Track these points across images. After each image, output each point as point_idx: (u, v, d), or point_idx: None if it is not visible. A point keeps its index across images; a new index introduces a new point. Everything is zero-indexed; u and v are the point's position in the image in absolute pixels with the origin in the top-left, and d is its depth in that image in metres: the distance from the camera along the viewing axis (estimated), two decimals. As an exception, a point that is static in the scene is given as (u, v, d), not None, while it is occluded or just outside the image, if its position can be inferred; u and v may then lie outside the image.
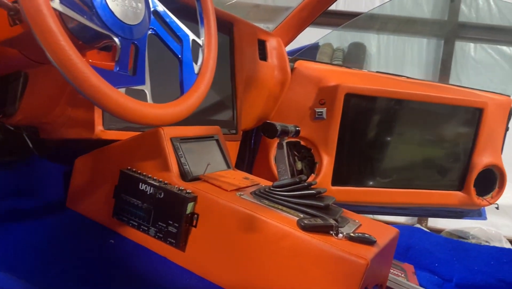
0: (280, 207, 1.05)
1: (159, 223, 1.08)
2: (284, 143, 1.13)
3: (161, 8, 0.82)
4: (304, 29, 2.01)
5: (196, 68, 0.85)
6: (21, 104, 1.06)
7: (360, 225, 1.07)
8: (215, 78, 1.60)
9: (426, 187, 2.33)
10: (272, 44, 1.92)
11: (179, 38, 0.84)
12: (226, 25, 1.66)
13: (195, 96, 0.80)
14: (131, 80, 0.71)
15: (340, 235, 0.96)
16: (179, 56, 0.83)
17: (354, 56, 3.81)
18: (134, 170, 1.15)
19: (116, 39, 0.70)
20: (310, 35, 2.66)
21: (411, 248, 1.62)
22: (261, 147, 2.14)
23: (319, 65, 2.21)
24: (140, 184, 1.11)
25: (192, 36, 0.87)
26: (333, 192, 2.09)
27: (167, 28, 0.83)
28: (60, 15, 0.64)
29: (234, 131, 1.67)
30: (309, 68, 2.10)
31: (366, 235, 0.96)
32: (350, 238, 0.95)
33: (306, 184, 1.08)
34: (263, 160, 2.12)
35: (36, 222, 1.24)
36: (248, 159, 2.12)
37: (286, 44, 2.05)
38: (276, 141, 2.03)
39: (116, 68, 0.69)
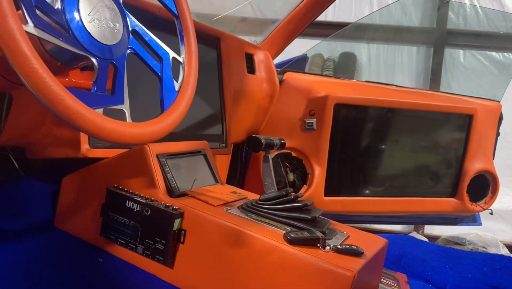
0: (267, 220, 1.05)
1: (147, 240, 1.08)
2: (270, 157, 1.14)
3: (140, 27, 0.83)
4: (292, 41, 2.03)
5: (176, 85, 0.85)
6: (6, 126, 1.06)
7: (348, 236, 1.07)
8: (203, 92, 1.62)
9: (419, 195, 2.34)
10: (259, 57, 1.94)
11: (159, 56, 0.85)
12: (213, 40, 1.67)
13: (176, 113, 0.81)
14: (109, 100, 0.72)
15: (327, 247, 0.96)
16: (159, 74, 0.83)
17: (345, 66, 3.84)
18: (120, 187, 1.15)
19: (94, 60, 0.70)
20: (299, 46, 2.69)
21: (403, 256, 1.62)
22: (253, 159, 2.15)
23: (308, 76, 2.23)
24: (127, 201, 1.11)
25: (172, 54, 0.87)
26: (326, 203, 2.10)
27: (146, 47, 0.83)
28: (39, 38, 0.64)
29: (223, 145, 1.67)
30: (298, 80, 2.11)
31: (353, 246, 0.96)
32: (337, 250, 0.95)
33: (292, 196, 1.08)
34: (255, 173, 2.12)
35: (24, 242, 1.24)
36: (240, 172, 2.12)
37: (274, 57, 2.06)
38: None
39: (94, 89, 0.69)
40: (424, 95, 2.36)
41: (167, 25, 1.14)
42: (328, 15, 3.75)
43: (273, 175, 1.12)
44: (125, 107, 0.75)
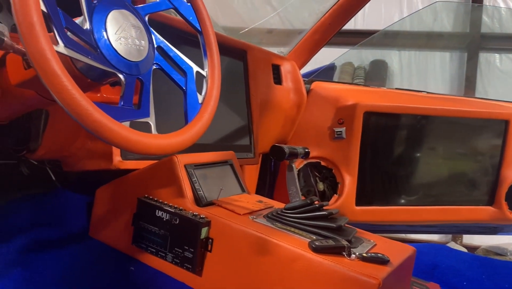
0: (292, 229, 1.06)
1: (176, 248, 1.11)
2: (294, 166, 1.15)
3: (164, 43, 0.87)
4: (318, 51, 2.04)
5: (200, 98, 0.88)
6: (43, 140, 1.12)
7: (375, 245, 1.07)
8: (231, 104, 1.65)
9: (454, 203, 2.27)
10: (286, 68, 1.96)
11: (183, 70, 0.88)
12: (239, 53, 1.71)
13: (199, 125, 0.83)
14: (136, 114, 0.75)
15: (353, 255, 0.96)
16: (183, 88, 0.87)
17: (376, 74, 3.81)
18: (151, 197, 1.18)
19: (121, 76, 0.74)
20: (328, 55, 2.70)
21: (437, 266, 1.58)
22: (282, 169, 2.16)
23: (336, 85, 2.23)
24: (157, 210, 1.14)
25: (196, 68, 0.91)
26: (357, 212, 2.08)
27: (171, 62, 0.87)
28: (70, 57, 0.69)
29: (251, 155, 1.70)
30: (326, 89, 2.11)
31: (379, 254, 0.96)
32: (362, 258, 0.95)
33: (317, 205, 1.09)
34: (284, 182, 2.13)
35: (60, 251, 1.29)
36: (269, 182, 2.13)
37: (301, 67, 2.08)
38: (297, 163, 2.05)
39: (121, 103, 0.73)
40: (457, 101, 2.31)
41: (191, 39, 1.18)
42: (357, 23, 3.74)
43: (297, 184, 1.13)
44: (151, 120, 0.78)
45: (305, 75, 2.25)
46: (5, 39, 0.68)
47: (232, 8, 2.39)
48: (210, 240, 1.08)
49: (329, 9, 1.88)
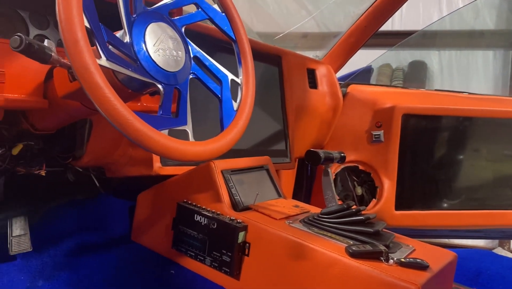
0: (329, 234, 1.06)
1: (214, 252, 1.13)
2: (330, 170, 1.15)
3: (200, 53, 0.89)
4: (353, 54, 2.03)
5: (235, 105, 0.91)
6: (87, 148, 1.18)
7: (414, 250, 1.05)
8: (266, 109, 1.67)
9: (500, 207, 2.18)
10: (321, 72, 1.95)
11: (219, 79, 0.91)
12: (274, 58, 1.72)
13: (234, 131, 0.85)
14: (174, 122, 0.78)
15: (391, 260, 0.95)
16: (219, 96, 0.89)
17: (415, 75, 3.72)
18: (189, 202, 1.22)
19: (160, 86, 0.77)
20: (366, 57, 2.66)
21: (481, 273, 1.53)
22: (319, 173, 2.15)
23: (373, 87, 2.20)
24: (195, 215, 1.17)
25: (230, 76, 0.93)
26: (397, 217, 2.04)
27: (207, 71, 0.90)
28: (112, 70, 0.72)
29: (287, 160, 1.70)
30: (362, 92, 2.10)
31: (418, 260, 0.94)
32: (400, 264, 0.94)
33: (354, 210, 1.08)
34: (322, 187, 2.12)
35: (105, 255, 1.35)
36: (306, 186, 2.13)
37: (337, 70, 2.07)
38: (334, 168, 2.04)
39: (160, 112, 0.76)
40: (502, 101, 2.22)
41: (225, 46, 1.21)
42: (394, 24, 3.67)
43: (333, 188, 1.13)
44: (188, 128, 0.81)
45: (341, 79, 2.24)
46: (53, 54, 0.72)
47: (267, 13, 2.41)
48: (247, 244, 1.10)
49: (365, 12, 1.86)
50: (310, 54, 2.13)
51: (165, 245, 1.27)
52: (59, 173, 1.31)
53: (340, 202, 2.08)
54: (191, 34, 0.91)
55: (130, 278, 1.27)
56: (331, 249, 0.98)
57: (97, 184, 1.38)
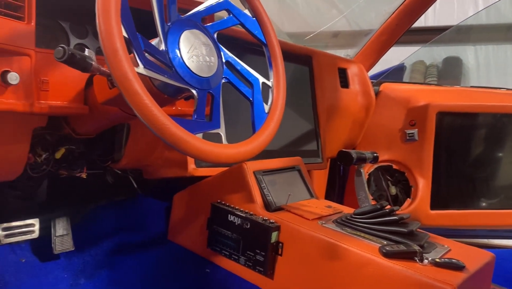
0: (362, 234, 1.06)
1: (248, 252, 1.15)
2: (362, 171, 1.14)
3: (232, 58, 0.92)
4: (385, 52, 2.01)
5: (266, 108, 0.92)
6: (126, 151, 1.22)
7: (449, 250, 1.03)
8: (297, 110, 1.68)
9: (543, 206, 2.11)
10: (353, 70, 1.95)
11: (250, 82, 0.93)
12: (305, 59, 1.73)
13: (266, 133, 0.87)
14: (208, 126, 0.81)
15: (425, 261, 0.94)
16: (251, 99, 0.91)
17: (450, 72, 3.63)
18: (223, 202, 1.24)
19: (194, 91, 0.80)
20: (399, 55, 2.62)
21: (523, 274, 1.48)
22: (351, 173, 2.14)
23: (406, 85, 2.17)
24: (229, 215, 1.20)
25: (262, 79, 0.95)
26: (432, 217, 2.01)
27: (238, 75, 0.92)
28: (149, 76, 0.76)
29: (319, 160, 1.71)
30: (395, 90, 2.07)
31: (453, 260, 0.93)
32: (435, 264, 0.93)
33: (388, 210, 1.08)
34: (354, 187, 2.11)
35: (142, 254, 1.39)
36: (338, 186, 2.12)
37: (368, 69, 2.06)
38: (366, 165, 2.02)
39: (194, 117, 0.79)
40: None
41: (255, 48, 1.23)
42: (428, 20, 3.60)
43: (366, 189, 1.13)
44: (221, 131, 0.83)
45: (373, 77, 2.22)
46: (93, 63, 0.76)
47: (297, 13, 2.42)
48: (280, 244, 1.12)
49: (396, 9, 1.84)
50: (341, 53, 2.12)
51: (200, 245, 1.30)
52: (98, 175, 1.37)
53: (373, 202, 2.06)
54: (223, 38, 0.94)
55: (167, 276, 1.31)
56: (364, 249, 0.98)
57: (135, 185, 1.43)
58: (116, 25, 0.66)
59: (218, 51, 0.88)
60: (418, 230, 1.08)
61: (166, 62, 0.77)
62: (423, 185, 2.00)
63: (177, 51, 0.79)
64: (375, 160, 1.15)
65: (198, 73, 0.81)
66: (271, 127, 0.89)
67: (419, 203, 2.01)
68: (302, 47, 1.73)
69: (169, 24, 0.79)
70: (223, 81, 0.88)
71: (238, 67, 0.92)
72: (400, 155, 2.04)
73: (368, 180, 2.09)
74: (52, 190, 1.39)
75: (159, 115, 0.68)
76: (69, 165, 1.19)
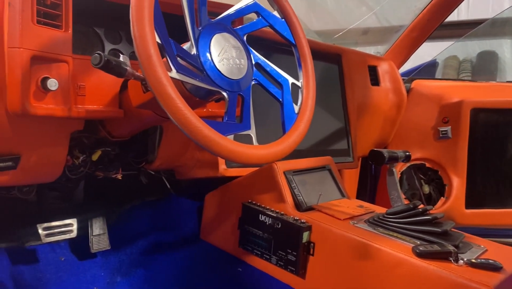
0: (395, 234, 1.05)
1: (279, 251, 1.16)
2: (394, 170, 1.13)
3: (262, 60, 0.92)
4: (417, 49, 1.97)
5: (296, 108, 0.93)
6: (159, 152, 1.25)
7: (486, 250, 1.01)
8: (327, 109, 1.67)
9: None
10: (383, 68, 1.92)
11: (279, 83, 0.93)
12: (334, 57, 1.72)
13: (296, 134, 0.88)
14: (239, 127, 0.82)
15: (460, 261, 0.92)
16: (280, 99, 0.92)
17: (485, 67, 3.52)
18: (254, 202, 1.26)
19: (225, 94, 0.81)
20: (431, 50, 2.57)
21: None
22: (383, 172, 2.11)
23: (439, 82, 2.13)
24: (260, 215, 1.21)
25: (291, 80, 0.95)
26: (467, 216, 1.96)
27: (268, 77, 0.93)
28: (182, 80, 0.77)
29: (350, 159, 1.70)
30: (427, 87, 2.03)
31: (490, 260, 0.91)
32: (471, 264, 0.91)
33: (421, 209, 1.06)
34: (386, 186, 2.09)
35: (177, 253, 1.42)
36: (370, 185, 2.10)
37: (399, 66, 2.02)
38: (399, 166, 1.99)
39: (225, 119, 0.80)
40: None
41: (282, 48, 1.24)
42: (461, 14, 3.51)
43: (399, 188, 1.11)
44: (252, 132, 0.84)
45: (404, 74, 2.19)
46: (128, 68, 0.79)
47: (325, 11, 2.40)
48: (312, 244, 1.12)
49: (427, 5, 1.80)
50: (371, 49, 2.10)
51: (232, 244, 1.31)
52: (133, 176, 1.40)
53: (406, 202, 2.03)
54: (251, 38, 0.94)
55: (201, 275, 1.34)
56: (397, 249, 0.97)
57: (168, 186, 1.46)
58: (149, 32, 0.68)
59: (248, 53, 0.89)
60: (452, 229, 1.06)
61: (197, 66, 0.78)
62: (457, 183, 1.96)
63: (208, 54, 0.80)
64: (407, 159, 1.13)
65: (229, 76, 0.82)
66: (301, 128, 0.89)
67: (453, 202, 1.97)
68: (331, 45, 1.73)
69: (200, 28, 0.81)
70: (253, 83, 0.89)
71: (268, 69, 0.93)
72: (433, 153, 2.00)
73: (401, 179, 2.06)
74: (88, 190, 1.44)
75: (192, 118, 0.70)
76: (105, 167, 1.23)
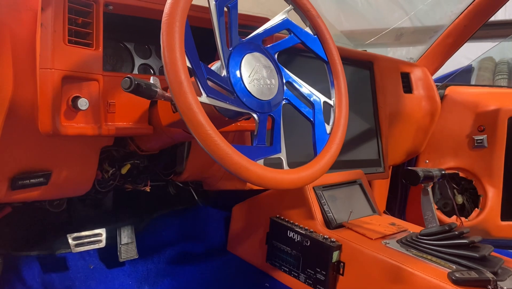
0: (429, 257, 1.01)
1: (308, 269, 1.14)
2: (429, 189, 1.09)
3: (293, 78, 0.90)
4: (452, 55, 1.90)
5: (328, 128, 0.90)
6: (187, 165, 1.25)
7: (527, 278, 0.96)
8: (358, 118, 1.63)
9: None
10: (416, 75, 1.86)
11: (311, 102, 0.91)
12: (366, 64, 1.68)
13: (328, 156, 0.85)
14: (269, 151, 0.79)
15: (500, 290, 0.88)
16: (312, 119, 0.89)
17: (523, 68, 3.38)
18: (282, 217, 1.23)
19: (255, 116, 0.79)
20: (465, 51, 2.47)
21: None
22: (414, 181, 2.05)
23: (475, 88, 2.05)
24: (288, 231, 1.19)
25: (323, 98, 0.92)
26: (503, 228, 1.89)
27: (299, 95, 0.90)
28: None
29: (381, 169, 1.65)
30: (462, 94, 1.96)
31: (532, 291, 0.86)
32: (512, 295, 0.87)
33: (457, 232, 1.02)
34: (418, 196, 2.02)
35: (203, 263, 1.42)
36: (401, 195, 2.04)
37: (433, 73, 1.96)
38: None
39: (255, 143, 0.78)
40: None
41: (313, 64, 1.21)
42: (497, 14, 3.36)
43: (434, 209, 1.07)
44: (282, 156, 0.82)
45: (438, 80, 2.11)
46: (158, 90, 0.78)
47: (356, 11, 2.34)
48: (342, 264, 1.09)
49: (464, 10, 1.73)
50: (402, 50, 2.03)
51: (259, 258, 1.30)
52: (161, 186, 1.40)
53: (438, 212, 1.96)
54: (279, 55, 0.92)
55: (225, 287, 1.33)
56: (432, 275, 0.93)
57: (196, 197, 1.46)
58: (180, 58, 0.67)
59: (279, 72, 0.86)
60: (491, 254, 1.01)
61: (227, 88, 0.76)
62: (493, 194, 1.89)
63: (239, 76, 0.78)
64: (443, 177, 1.09)
65: (259, 97, 0.80)
66: (333, 150, 0.86)
67: (488, 213, 1.89)
68: (363, 52, 1.68)
69: (230, 49, 0.79)
70: (284, 102, 0.87)
71: (299, 87, 0.90)
72: (468, 162, 1.93)
73: (433, 188, 1.99)
74: (117, 199, 1.45)
75: (222, 145, 0.68)
76: (133, 179, 1.23)
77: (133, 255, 1.40)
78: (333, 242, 1.09)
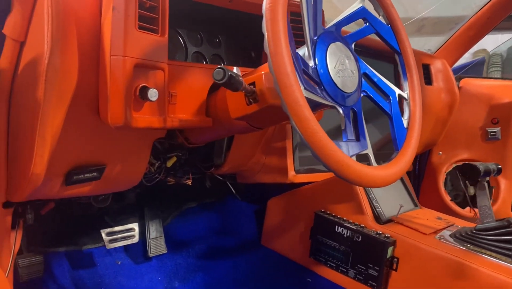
0: (488, 252, 1.00)
1: (359, 265, 1.12)
2: (486, 184, 1.08)
3: (369, 69, 0.86)
4: (471, 47, 1.90)
5: (404, 122, 0.87)
6: (228, 157, 1.19)
7: None
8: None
9: None
10: (436, 67, 1.85)
11: (387, 95, 0.87)
12: (389, 55, 1.65)
13: (409, 151, 0.82)
14: (358, 147, 0.76)
15: None
16: (389, 112, 0.86)
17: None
18: (328, 212, 1.21)
19: (340, 109, 0.75)
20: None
21: None
22: (427, 172, 2.06)
23: (489, 81, 2.06)
24: (336, 226, 1.16)
25: (398, 91, 0.89)
26: (514, 219, 1.92)
27: (375, 88, 0.86)
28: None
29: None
30: (476, 86, 1.97)
31: None
32: None
33: (516, 227, 1.02)
34: (431, 186, 2.03)
35: (236, 258, 1.38)
36: (414, 185, 2.05)
37: (451, 65, 1.95)
38: (444, 164, 1.94)
39: (345, 138, 0.74)
40: None
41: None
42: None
43: (490, 203, 1.06)
44: (369, 151, 0.78)
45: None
46: (243, 82, 0.73)
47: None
48: (396, 259, 1.08)
49: (488, 2, 1.72)
50: (420, 40, 2.01)
51: (300, 253, 1.27)
52: (198, 180, 1.35)
53: (452, 203, 1.97)
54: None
55: (264, 282, 1.30)
56: (498, 271, 0.93)
57: (234, 191, 1.41)
58: (285, 48, 0.62)
59: (357, 63, 0.82)
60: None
61: (316, 80, 0.72)
62: (505, 186, 1.91)
63: (325, 67, 0.74)
64: (499, 172, 1.08)
65: (343, 89, 0.76)
66: (413, 144, 0.83)
67: (500, 205, 1.92)
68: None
69: (315, 38, 0.75)
70: (362, 95, 0.83)
71: (375, 79, 0.87)
72: (481, 154, 1.95)
73: (445, 179, 2.01)
74: (144, 192, 1.38)
75: (327, 141, 0.65)
76: (175, 172, 1.18)
77: (162, 250, 1.35)
78: (387, 237, 1.07)
